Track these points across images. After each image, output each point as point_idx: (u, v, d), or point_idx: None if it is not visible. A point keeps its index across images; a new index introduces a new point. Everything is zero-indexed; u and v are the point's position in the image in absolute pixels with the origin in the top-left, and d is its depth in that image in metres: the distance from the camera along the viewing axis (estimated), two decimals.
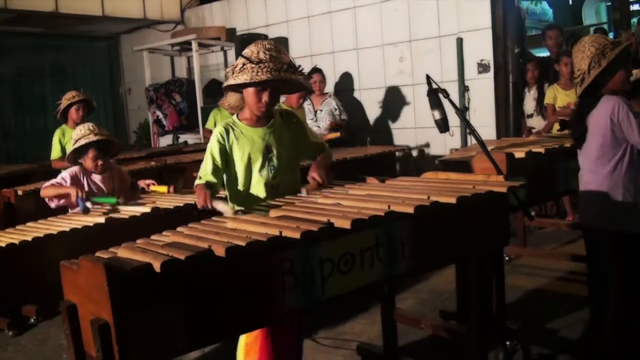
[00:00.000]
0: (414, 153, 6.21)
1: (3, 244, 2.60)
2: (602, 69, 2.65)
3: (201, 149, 5.83)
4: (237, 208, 2.36)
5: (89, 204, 3.19)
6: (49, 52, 9.05)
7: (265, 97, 2.40)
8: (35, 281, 2.71)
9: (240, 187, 2.51)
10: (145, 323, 1.54)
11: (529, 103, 5.64)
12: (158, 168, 5.07)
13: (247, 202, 2.45)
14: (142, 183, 3.60)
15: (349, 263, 1.92)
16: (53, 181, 3.42)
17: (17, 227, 2.95)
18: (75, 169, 3.46)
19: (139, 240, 1.83)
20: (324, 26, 6.76)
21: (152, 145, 7.99)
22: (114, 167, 3.64)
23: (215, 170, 2.47)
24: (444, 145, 5.73)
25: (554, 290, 4.02)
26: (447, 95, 2.70)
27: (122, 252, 1.69)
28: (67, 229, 2.77)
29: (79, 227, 2.80)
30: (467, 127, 2.68)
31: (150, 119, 7.99)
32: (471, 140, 5.55)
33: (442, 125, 2.76)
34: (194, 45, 7.30)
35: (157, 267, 1.53)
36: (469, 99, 5.75)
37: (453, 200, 2.04)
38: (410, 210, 1.94)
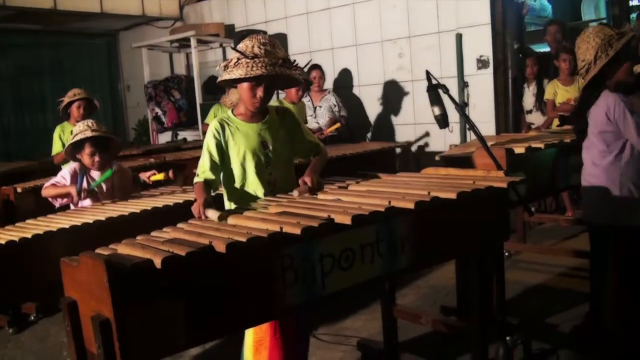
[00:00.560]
0: (414, 149, 6.21)
1: (3, 241, 2.59)
2: (609, 58, 2.64)
3: (200, 145, 5.80)
4: (228, 209, 2.36)
5: (87, 202, 3.23)
6: (48, 50, 9.03)
7: (259, 92, 2.39)
8: (35, 278, 2.71)
9: (237, 183, 2.50)
10: (146, 319, 1.54)
11: (528, 99, 5.63)
12: (157, 165, 5.06)
13: (244, 199, 2.44)
14: (143, 176, 3.59)
15: (349, 259, 1.92)
16: (53, 180, 3.42)
17: (17, 224, 2.95)
18: (74, 165, 3.46)
19: (139, 237, 1.83)
20: (322, 22, 6.75)
21: (151, 142, 7.98)
22: (117, 166, 3.64)
23: (214, 167, 2.45)
24: (443, 141, 5.73)
25: (554, 286, 4.02)
26: (446, 91, 2.70)
27: (123, 248, 1.69)
28: (67, 226, 2.76)
29: (79, 224, 2.79)
30: (467, 123, 2.68)
31: (149, 116, 7.98)
32: (470, 136, 5.55)
33: (442, 121, 2.75)
34: (193, 42, 7.28)
35: (157, 263, 1.53)
36: (468, 94, 5.75)
37: (453, 196, 2.04)
38: (411, 205, 1.94)
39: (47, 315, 4.10)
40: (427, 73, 2.72)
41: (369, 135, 6.57)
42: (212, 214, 2.09)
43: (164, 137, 7.85)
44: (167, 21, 8.40)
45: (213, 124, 2.49)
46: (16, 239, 2.61)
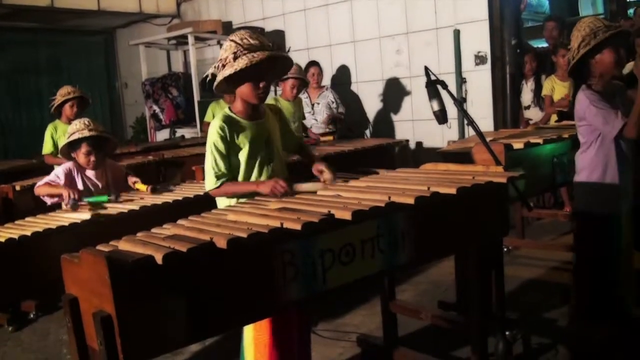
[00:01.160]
0: (412, 145, 6.21)
1: (2, 239, 2.59)
2: (589, 48, 2.67)
3: (198, 143, 5.82)
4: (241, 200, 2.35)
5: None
6: (45, 47, 9.00)
7: (262, 83, 2.38)
8: (35, 276, 2.71)
9: (241, 180, 2.49)
10: (147, 315, 1.54)
11: (526, 95, 5.64)
12: (156, 162, 5.06)
13: (249, 195, 2.44)
14: (129, 180, 3.56)
15: (349, 254, 1.92)
16: (47, 179, 3.40)
17: (16, 222, 2.95)
18: (69, 164, 3.45)
19: (140, 233, 1.83)
20: (320, 19, 6.74)
21: (149, 140, 7.96)
22: (108, 163, 3.63)
23: (227, 166, 2.42)
24: (441, 137, 5.73)
25: (553, 281, 4.04)
26: (445, 87, 2.70)
27: (123, 244, 1.69)
28: (67, 224, 2.76)
29: (78, 221, 2.79)
30: (466, 119, 2.68)
31: (147, 113, 7.96)
32: (469, 132, 5.56)
33: (441, 117, 2.75)
34: (190, 39, 7.26)
35: (159, 259, 1.53)
36: (466, 90, 5.75)
37: (453, 191, 2.05)
38: (411, 201, 1.95)
39: (46, 313, 4.10)
40: (426, 69, 2.72)
41: (367, 132, 6.57)
42: (309, 186, 2.26)
43: (162, 135, 7.83)
44: (164, 18, 8.38)
45: (217, 124, 2.43)
46: (16, 236, 2.61)
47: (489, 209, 2.33)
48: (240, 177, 2.48)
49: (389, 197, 1.99)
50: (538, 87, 5.53)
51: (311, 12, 6.80)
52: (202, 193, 3.12)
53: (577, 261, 3.00)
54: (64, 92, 4.81)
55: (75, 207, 3.05)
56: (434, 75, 2.72)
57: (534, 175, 3.19)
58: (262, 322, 2.32)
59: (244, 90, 2.42)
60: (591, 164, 2.79)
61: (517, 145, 3.15)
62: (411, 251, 2.08)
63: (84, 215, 2.87)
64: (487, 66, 5.60)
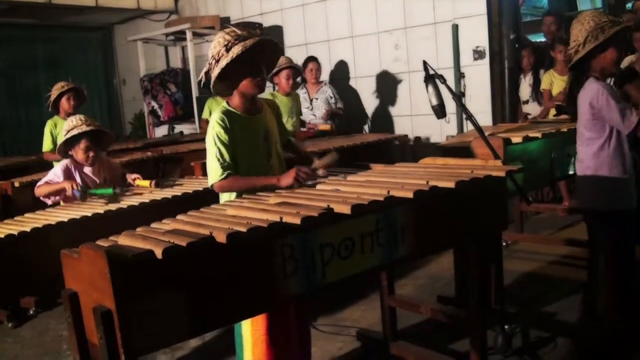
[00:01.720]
0: (411, 140, 6.21)
1: (2, 235, 2.60)
2: (597, 43, 2.66)
3: (197, 139, 5.81)
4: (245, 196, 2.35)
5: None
6: (43, 44, 8.97)
7: (260, 72, 2.39)
8: (34, 272, 2.71)
9: (241, 174, 2.47)
10: (147, 310, 1.54)
11: (525, 89, 5.64)
12: (155, 159, 5.06)
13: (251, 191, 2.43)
14: (129, 177, 3.56)
15: (349, 248, 1.92)
16: (46, 179, 3.40)
17: (16, 218, 2.95)
18: (66, 162, 3.44)
19: (139, 228, 1.84)
20: (318, 14, 6.72)
21: (147, 136, 7.95)
22: (104, 159, 3.63)
23: (232, 159, 2.39)
24: (440, 132, 5.73)
25: (551, 275, 4.04)
26: (444, 81, 2.70)
27: (123, 239, 1.69)
28: (66, 219, 2.76)
29: (77, 217, 2.80)
30: (464, 113, 2.68)
31: (146, 109, 7.95)
32: (467, 127, 5.56)
33: (440, 111, 2.76)
34: (188, 35, 7.25)
35: (158, 253, 1.54)
36: (464, 85, 5.74)
37: (452, 185, 2.05)
38: (410, 195, 1.95)
39: (46, 309, 4.10)
40: (425, 63, 2.72)
41: (366, 127, 6.56)
42: (326, 159, 2.44)
43: (161, 131, 7.82)
44: (162, 14, 8.36)
45: (217, 116, 2.41)
46: (15, 232, 2.61)
47: (487, 203, 2.34)
48: (240, 171, 2.44)
49: (388, 191, 1.99)
50: (536, 82, 5.53)
51: (309, 7, 6.79)
52: (201, 189, 3.12)
53: (592, 257, 2.96)
54: (58, 87, 4.79)
55: (84, 198, 3.04)
56: (433, 69, 2.72)
57: (533, 169, 3.19)
58: (258, 317, 2.30)
59: (243, 83, 2.41)
60: (607, 161, 2.71)
61: (516, 139, 3.15)
62: (410, 245, 2.08)
63: (96, 209, 2.87)
64: (486, 61, 5.60)
